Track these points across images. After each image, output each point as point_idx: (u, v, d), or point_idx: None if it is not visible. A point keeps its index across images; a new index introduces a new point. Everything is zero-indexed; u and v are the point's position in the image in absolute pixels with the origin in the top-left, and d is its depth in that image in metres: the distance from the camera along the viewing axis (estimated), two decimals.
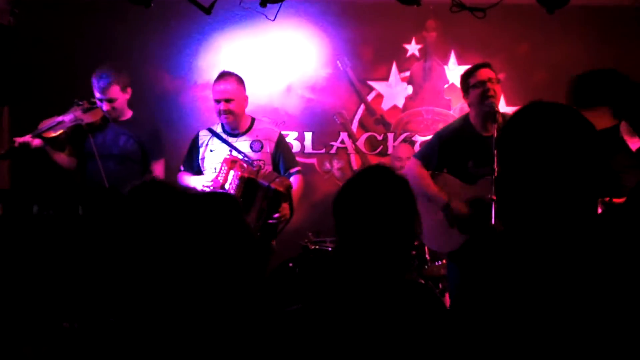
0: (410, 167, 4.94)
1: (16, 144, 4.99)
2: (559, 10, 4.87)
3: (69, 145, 5.25)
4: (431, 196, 4.72)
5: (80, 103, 5.17)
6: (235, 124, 5.09)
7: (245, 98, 5.13)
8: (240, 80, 5.10)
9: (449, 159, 4.86)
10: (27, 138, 5.01)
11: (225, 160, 4.95)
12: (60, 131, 5.08)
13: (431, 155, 4.89)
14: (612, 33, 6.38)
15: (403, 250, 2.33)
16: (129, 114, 5.31)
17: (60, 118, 5.12)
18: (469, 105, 4.86)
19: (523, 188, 1.89)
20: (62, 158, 5.24)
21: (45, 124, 5.11)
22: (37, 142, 5.04)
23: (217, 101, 5.04)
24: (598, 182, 1.86)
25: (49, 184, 5.32)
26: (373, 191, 2.30)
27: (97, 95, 5.12)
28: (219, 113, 5.05)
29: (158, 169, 5.27)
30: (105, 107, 5.12)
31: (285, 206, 4.91)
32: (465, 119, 4.99)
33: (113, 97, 5.11)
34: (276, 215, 4.85)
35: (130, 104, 5.30)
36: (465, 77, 4.87)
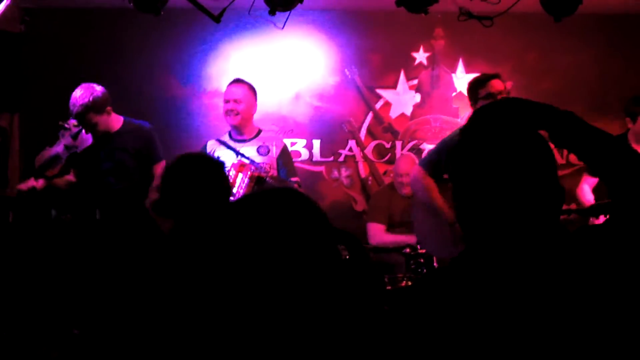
0: (416, 177, 4.85)
1: (24, 191, 5.00)
2: (566, 18, 4.89)
3: (71, 167, 5.24)
4: (437, 210, 4.71)
5: (67, 126, 5.07)
6: (241, 127, 5.16)
7: (254, 105, 5.20)
8: (252, 89, 5.19)
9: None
10: (32, 183, 5.02)
11: (233, 164, 5.00)
12: (60, 166, 5.10)
13: (437, 161, 4.85)
14: (619, 41, 6.40)
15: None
16: (118, 124, 5.19)
17: (54, 151, 5.08)
18: None
19: (472, 200, 1.81)
20: (68, 182, 5.21)
21: (42, 159, 5.08)
22: (41, 183, 5.04)
23: (227, 101, 5.14)
24: (544, 193, 1.78)
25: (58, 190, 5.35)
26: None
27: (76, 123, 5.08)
28: (227, 113, 5.13)
29: (160, 171, 5.28)
30: (87, 132, 5.09)
31: None
32: None
33: (90, 123, 5.00)
34: None
35: (130, 113, 5.29)
36: (475, 87, 4.78)
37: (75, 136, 5.12)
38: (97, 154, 5.15)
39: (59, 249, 4.42)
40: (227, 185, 3.12)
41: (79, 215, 5.06)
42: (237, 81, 5.21)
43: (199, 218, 2.82)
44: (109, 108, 5.07)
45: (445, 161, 4.84)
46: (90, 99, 4.91)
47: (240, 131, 5.19)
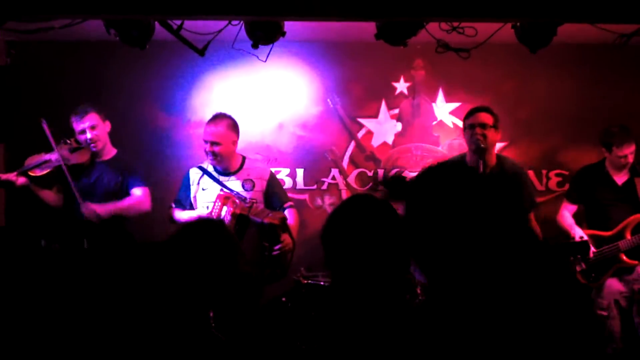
0: None
1: (1, 180, 5.06)
2: (543, 49, 5.00)
3: (57, 183, 5.33)
4: None
5: (68, 142, 5.24)
6: (222, 165, 5.22)
7: (235, 142, 5.24)
8: (231, 125, 5.21)
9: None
10: (12, 176, 5.08)
11: (219, 196, 5.06)
12: (47, 171, 5.15)
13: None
14: (596, 71, 6.49)
15: (397, 273, 2.34)
16: (112, 152, 5.43)
17: (47, 156, 5.18)
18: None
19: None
20: (48, 195, 5.30)
21: (32, 160, 5.18)
22: (21, 180, 5.09)
23: (205, 142, 5.18)
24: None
25: (47, 219, 5.38)
26: (359, 218, 2.35)
27: (78, 126, 5.25)
28: (206, 154, 5.19)
29: (137, 194, 5.37)
30: (89, 134, 5.24)
31: (285, 236, 5.03)
32: (463, 156, 5.19)
33: (93, 123, 5.26)
34: (277, 246, 4.97)
35: (115, 143, 5.45)
36: (464, 117, 5.19)
37: (73, 150, 5.20)
38: (89, 176, 5.27)
39: (50, 278, 4.46)
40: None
41: (67, 244, 5.09)
42: (215, 119, 5.21)
43: None
44: (108, 123, 5.42)
45: None
46: (95, 105, 5.34)
47: (225, 165, 5.25)
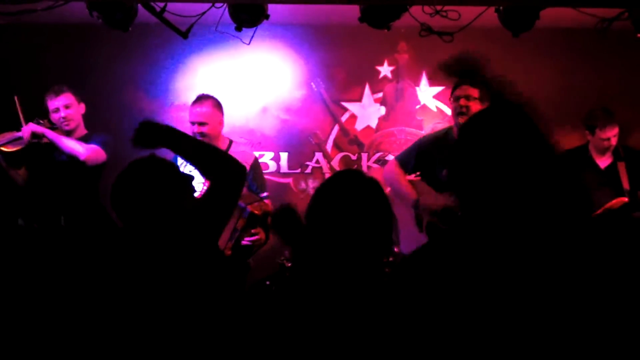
0: (388, 166, 5.19)
1: None
2: (526, 33, 5.02)
3: (25, 162, 5.32)
4: (403, 194, 4.85)
5: (41, 122, 5.23)
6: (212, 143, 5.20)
7: (221, 122, 5.20)
8: (216, 105, 5.17)
9: (424, 165, 5.00)
10: None
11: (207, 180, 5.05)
12: (20, 147, 5.15)
13: (408, 159, 5.06)
14: (579, 54, 6.51)
15: (379, 251, 2.35)
16: (84, 132, 5.43)
17: (19, 133, 5.16)
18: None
19: (482, 187, 1.91)
20: (16, 173, 5.29)
21: (4, 137, 5.17)
22: None
23: (192, 123, 5.13)
24: (560, 190, 1.88)
25: (21, 198, 5.37)
26: (345, 194, 2.33)
27: (53, 104, 5.26)
28: (193, 135, 5.15)
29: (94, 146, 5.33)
30: (62, 113, 5.24)
31: (259, 230, 4.99)
32: (449, 129, 5.15)
33: (68, 102, 5.28)
34: (250, 238, 4.94)
35: (97, 126, 5.45)
36: (451, 90, 5.04)
37: (48, 128, 5.19)
38: (60, 154, 5.23)
39: (32, 257, 4.46)
40: (182, 187, 3.10)
41: (45, 223, 5.09)
42: (200, 99, 5.17)
43: (152, 223, 2.85)
44: (83, 105, 5.44)
45: (414, 163, 5.02)
46: (70, 87, 5.36)
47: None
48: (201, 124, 5.09)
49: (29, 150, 5.18)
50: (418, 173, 5.07)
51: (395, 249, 5.10)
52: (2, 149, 5.14)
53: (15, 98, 5.12)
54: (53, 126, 5.25)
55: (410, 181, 4.99)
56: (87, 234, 4.99)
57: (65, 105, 5.26)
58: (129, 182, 2.92)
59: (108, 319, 2.61)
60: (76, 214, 5.13)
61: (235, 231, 4.86)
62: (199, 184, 5.13)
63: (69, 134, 5.31)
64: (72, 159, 5.17)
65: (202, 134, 5.07)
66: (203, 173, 3.02)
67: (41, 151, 5.20)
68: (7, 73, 5.91)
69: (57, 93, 5.25)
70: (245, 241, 4.91)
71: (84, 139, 5.33)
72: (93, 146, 5.22)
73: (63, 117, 5.26)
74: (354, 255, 2.27)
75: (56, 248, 4.74)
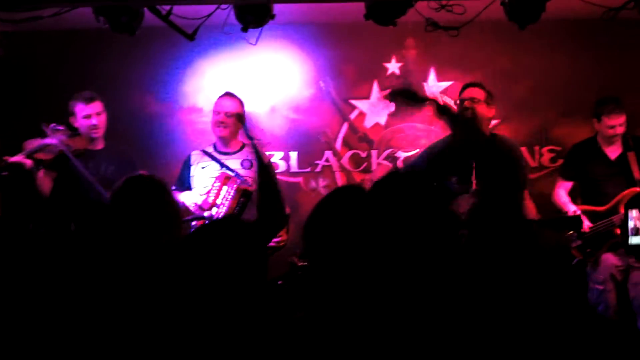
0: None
1: (5, 163, 4.90)
2: (532, 25, 5.00)
3: (52, 171, 5.22)
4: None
5: (60, 128, 5.13)
6: (228, 140, 5.27)
7: (242, 118, 5.24)
8: (242, 105, 5.34)
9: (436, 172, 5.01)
10: (20, 158, 4.93)
11: (218, 177, 5.10)
12: (51, 156, 5.01)
13: (420, 166, 5.07)
14: (587, 45, 6.47)
15: (380, 268, 2.32)
16: (102, 142, 5.36)
17: (47, 141, 5.03)
18: None
19: None
20: (44, 182, 5.13)
21: (32, 144, 5.03)
22: (29, 162, 4.94)
23: (217, 113, 5.26)
24: None
25: (36, 205, 5.32)
26: (344, 213, 2.34)
27: (84, 110, 5.19)
28: (216, 124, 5.23)
29: None
30: (94, 120, 5.20)
31: (283, 232, 5.10)
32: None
33: (100, 110, 5.24)
34: (277, 239, 5.02)
35: (108, 130, 5.40)
36: (458, 94, 5.18)
37: (71, 137, 5.13)
38: (86, 164, 5.14)
39: (38, 261, 4.47)
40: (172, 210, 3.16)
41: (53, 228, 5.08)
42: (230, 95, 5.33)
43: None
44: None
45: (427, 167, 5.04)
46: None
47: (226, 144, 5.32)
48: (227, 114, 5.26)
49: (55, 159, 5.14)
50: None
51: None
52: (35, 157, 4.99)
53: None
54: (75, 132, 5.22)
55: None
56: (97, 239, 4.98)
57: (97, 113, 5.23)
58: (123, 202, 3.04)
59: (112, 321, 2.62)
60: (87, 220, 5.13)
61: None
62: (199, 194, 5.20)
63: (92, 140, 5.28)
64: (93, 170, 5.17)
65: (225, 125, 5.25)
66: (261, 204, 3.07)
67: (65, 161, 5.12)
68: (16, 80, 5.93)
69: (90, 100, 5.20)
70: (272, 243, 4.99)
71: (108, 151, 5.32)
72: None
73: (95, 124, 5.23)
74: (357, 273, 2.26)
75: (63, 253, 4.75)
